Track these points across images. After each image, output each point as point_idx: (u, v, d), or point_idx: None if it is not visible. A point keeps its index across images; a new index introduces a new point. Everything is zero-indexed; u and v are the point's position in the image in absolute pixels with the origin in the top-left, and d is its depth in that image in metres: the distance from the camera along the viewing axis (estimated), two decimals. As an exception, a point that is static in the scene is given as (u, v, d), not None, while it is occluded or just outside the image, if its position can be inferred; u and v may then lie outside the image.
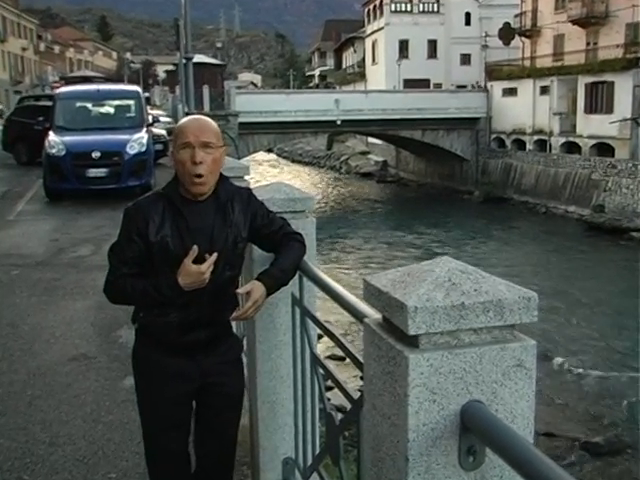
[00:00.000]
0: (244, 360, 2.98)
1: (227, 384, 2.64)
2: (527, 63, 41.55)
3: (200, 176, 2.43)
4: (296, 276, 2.67)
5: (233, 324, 2.77)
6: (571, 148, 34.87)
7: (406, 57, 53.03)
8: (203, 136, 2.44)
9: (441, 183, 43.70)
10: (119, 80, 44.42)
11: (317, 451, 2.80)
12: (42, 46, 71.69)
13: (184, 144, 2.44)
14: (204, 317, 2.53)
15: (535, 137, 37.72)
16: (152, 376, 2.56)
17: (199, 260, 2.43)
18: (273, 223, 2.67)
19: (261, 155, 60.82)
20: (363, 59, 62.92)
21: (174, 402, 2.57)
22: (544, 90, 37.26)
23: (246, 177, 5.45)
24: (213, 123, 2.54)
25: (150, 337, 2.55)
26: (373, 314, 1.68)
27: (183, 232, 2.45)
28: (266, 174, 53.64)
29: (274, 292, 2.60)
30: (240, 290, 2.53)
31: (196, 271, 2.37)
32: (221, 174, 2.57)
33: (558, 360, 15.06)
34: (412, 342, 1.37)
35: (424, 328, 1.34)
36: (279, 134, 39.28)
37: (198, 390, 2.60)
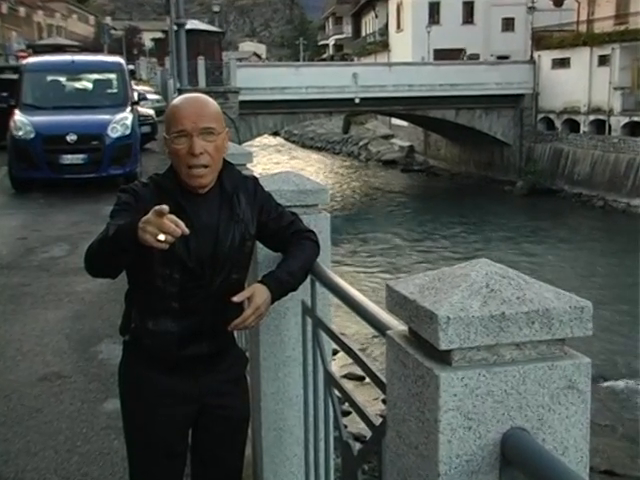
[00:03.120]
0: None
1: (230, 406, 2.65)
2: (583, 28, 41.18)
3: (204, 167, 2.44)
4: (307, 281, 2.68)
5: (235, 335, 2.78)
6: (635, 130, 34.60)
7: (437, 23, 52.93)
8: (202, 121, 2.43)
9: (477, 172, 43.57)
10: (98, 50, 44.45)
11: (331, 487, 2.81)
12: (4, 7, 71.53)
13: (179, 132, 2.43)
14: (207, 327, 2.54)
15: (591, 117, 37.49)
16: (143, 397, 2.56)
17: (201, 265, 2.46)
18: (282, 218, 2.68)
19: (266, 139, 60.86)
20: (386, 25, 62.81)
21: (169, 427, 2.57)
22: (603, 60, 36.98)
23: (249, 165, 5.47)
24: (213, 103, 2.52)
25: (142, 351, 2.56)
26: (397, 326, 1.68)
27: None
28: (272, 162, 53.68)
29: (280, 298, 2.61)
30: (236, 298, 2.51)
31: (156, 222, 2.13)
32: (225, 160, 2.58)
33: (618, 382, 14.98)
34: (443, 358, 1.38)
35: (457, 342, 1.35)
36: (287, 115, 39.28)
37: (196, 413, 2.61)
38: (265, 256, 2.91)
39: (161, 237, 2.13)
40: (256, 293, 2.51)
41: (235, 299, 2.51)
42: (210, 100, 2.53)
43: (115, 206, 2.50)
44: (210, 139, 2.44)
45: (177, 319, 2.50)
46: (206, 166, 2.44)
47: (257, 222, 2.62)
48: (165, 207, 2.12)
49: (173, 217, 2.14)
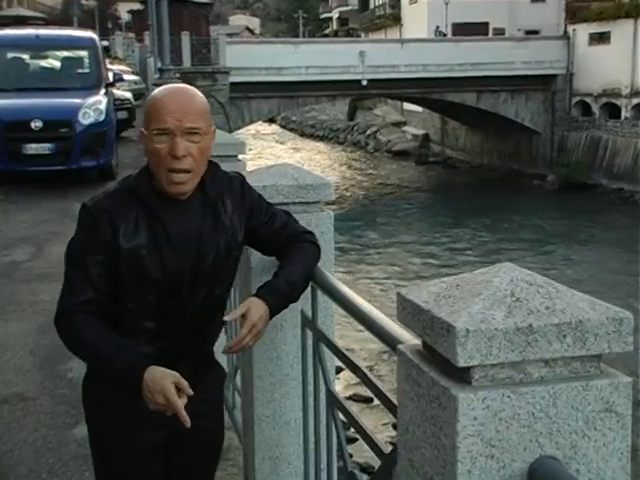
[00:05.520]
0: (237, 400, 2.99)
1: (206, 428, 2.68)
2: (626, -3, 41.06)
3: (186, 171, 2.42)
4: (308, 289, 2.68)
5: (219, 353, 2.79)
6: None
7: (456, -7, 52.89)
8: (187, 120, 2.40)
9: (502, 164, 43.55)
10: (66, 23, 44.40)
11: (334, 525, 2.81)
12: (-46, -28, 71.37)
13: (161, 130, 2.41)
14: (184, 348, 2.56)
15: (634, 100, 37.40)
16: (114, 421, 2.58)
17: (178, 283, 2.46)
18: (274, 220, 2.69)
19: (261, 127, 60.86)
20: (398, -4, 62.83)
21: (143, 454, 2.59)
22: (649, 35, 36.91)
23: (241, 156, 5.48)
24: (201, 98, 2.50)
25: None
26: (410, 339, 1.69)
27: (161, 242, 2.45)
28: (267, 152, 53.68)
29: (279, 312, 2.62)
30: (227, 317, 2.53)
31: (166, 395, 2.28)
32: (210, 161, 2.57)
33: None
34: (462, 377, 1.39)
35: (478, 358, 1.36)
36: (284, 99, 39.28)
37: (170, 436, 2.63)
38: (259, 260, 2.92)
39: (188, 421, 2.29)
40: (251, 309, 2.51)
41: (227, 318, 2.53)
42: (198, 94, 2.51)
43: (76, 238, 2.49)
44: (195, 140, 2.41)
45: (151, 341, 2.52)
46: (188, 171, 2.42)
47: (247, 228, 2.62)
48: (184, 384, 2.29)
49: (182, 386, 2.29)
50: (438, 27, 49.27)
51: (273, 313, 2.57)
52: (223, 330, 2.81)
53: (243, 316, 2.51)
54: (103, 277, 2.44)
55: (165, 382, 2.27)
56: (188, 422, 2.27)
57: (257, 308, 2.51)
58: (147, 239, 2.43)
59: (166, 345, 2.53)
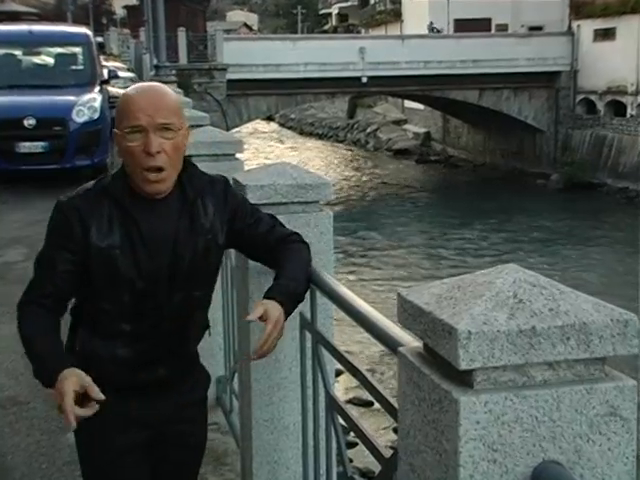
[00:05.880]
0: (235, 404, 2.99)
1: (188, 433, 2.72)
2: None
3: (159, 169, 2.44)
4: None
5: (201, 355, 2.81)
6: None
7: (458, -12, 52.90)
8: (159, 116, 2.43)
9: (505, 163, 43.54)
10: (60, 19, 44.35)
11: (334, 531, 2.82)
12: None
13: (133, 127, 2.43)
14: (163, 351, 2.58)
15: (640, 98, 37.46)
16: (98, 422, 2.59)
17: (154, 284, 2.48)
18: (260, 223, 2.70)
19: (259, 125, 60.82)
20: (398, -9, 62.83)
21: (127, 454, 2.63)
22: (656, 31, 36.87)
23: (238, 155, 5.47)
24: (173, 94, 2.55)
25: (91, 375, 2.59)
26: (411, 342, 1.69)
27: (135, 242, 2.47)
28: (265, 151, 53.65)
29: (293, 311, 2.62)
30: (249, 317, 2.53)
31: (62, 396, 2.30)
32: (188, 160, 2.59)
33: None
34: (464, 380, 1.39)
35: (480, 361, 1.36)
36: (283, 96, 39.25)
37: (153, 441, 2.67)
38: (255, 264, 2.91)
39: (73, 424, 2.29)
40: (269, 308, 2.51)
41: (249, 318, 2.53)
42: (169, 90, 2.55)
43: (49, 234, 2.53)
44: (168, 136, 2.44)
45: (129, 343, 2.54)
46: (162, 169, 2.44)
47: (230, 230, 2.64)
48: (93, 390, 2.31)
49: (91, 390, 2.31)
50: (432, 23, 49.27)
51: (287, 311, 2.56)
52: (207, 333, 2.82)
53: (260, 318, 2.50)
54: (69, 274, 2.48)
55: (67, 383, 2.29)
56: (73, 424, 2.28)
57: (274, 307, 2.51)
58: (121, 239, 2.46)
59: (144, 348, 2.55)
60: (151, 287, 2.49)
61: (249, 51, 37.62)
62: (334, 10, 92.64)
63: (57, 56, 14.77)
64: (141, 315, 2.52)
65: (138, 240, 2.46)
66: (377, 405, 2.10)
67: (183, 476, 2.79)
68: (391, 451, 1.95)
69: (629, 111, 37.83)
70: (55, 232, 2.51)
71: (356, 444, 2.52)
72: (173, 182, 2.51)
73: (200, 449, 2.84)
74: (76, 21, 40.19)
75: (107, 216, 2.46)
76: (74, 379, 2.30)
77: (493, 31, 50.00)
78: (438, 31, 47.46)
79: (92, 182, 2.59)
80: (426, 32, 48.63)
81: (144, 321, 2.52)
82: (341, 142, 60.72)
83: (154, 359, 2.56)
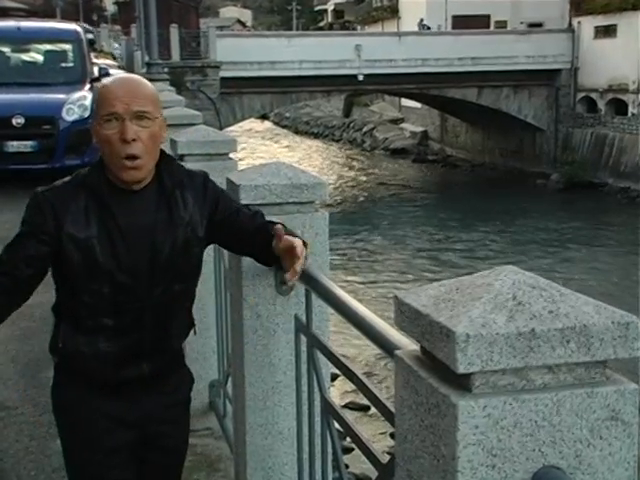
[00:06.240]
0: (228, 408, 2.99)
1: (170, 435, 2.75)
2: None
3: (134, 157, 2.48)
4: (301, 292, 2.69)
5: (188, 352, 2.82)
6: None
7: (457, -16, 52.92)
8: (135, 103, 2.49)
9: (504, 163, 43.58)
10: (49, 15, 44.30)
11: (330, 538, 2.82)
12: None
13: (110, 115, 2.48)
14: (147, 346, 2.61)
15: (642, 96, 37.47)
16: (83, 423, 2.65)
17: (134, 276, 2.51)
18: (240, 213, 2.75)
19: (253, 124, 60.79)
20: (395, -13, 62.84)
21: (113, 455, 2.65)
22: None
23: (232, 155, 5.47)
24: (149, 85, 2.61)
25: (74, 373, 2.65)
26: (408, 345, 1.69)
27: (113, 234, 2.50)
28: (260, 150, 53.63)
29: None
30: (288, 275, 2.58)
31: None
32: (165, 153, 2.64)
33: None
34: (462, 383, 1.39)
35: (479, 364, 1.36)
36: (277, 94, 39.26)
37: (138, 441, 2.69)
38: (250, 263, 2.92)
39: None
40: (286, 237, 2.58)
41: (288, 278, 2.60)
42: (145, 81, 2.62)
43: (23, 222, 2.59)
44: (144, 124, 2.49)
45: (112, 338, 2.57)
46: (138, 156, 2.48)
47: (211, 223, 2.67)
48: None
49: None
50: (422, 20, 49.41)
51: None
52: (192, 332, 2.85)
53: (287, 251, 2.56)
54: (32, 260, 2.53)
55: None
56: None
57: (288, 237, 2.59)
58: (98, 230, 2.50)
59: (127, 343, 2.58)
60: (131, 279, 2.53)
61: (243, 48, 37.60)
62: (330, 6, 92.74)
63: (46, 53, 14.74)
64: (122, 309, 2.55)
65: (116, 232, 2.50)
66: (374, 409, 2.11)
67: (162, 479, 2.82)
68: (388, 457, 1.95)
69: (630, 109, 37.87)
70: (27, 221, 2.57)
71: (352, 449, 2.52)
72: (150, 171, 2.56)
73: (179, 453, 2.86)
74: (66, 17, 40.11)
75: (84, 208, 2.51)
76: None
77: (492, 28, 50.07)
78: (428, 28, 47.58)
79: (70, 176, 2.65)
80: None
81: (126, 315, 2.55)
82: (337, 141, 60.74)
83: (137, 354, 2.60)
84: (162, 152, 2.61)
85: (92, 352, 2.57)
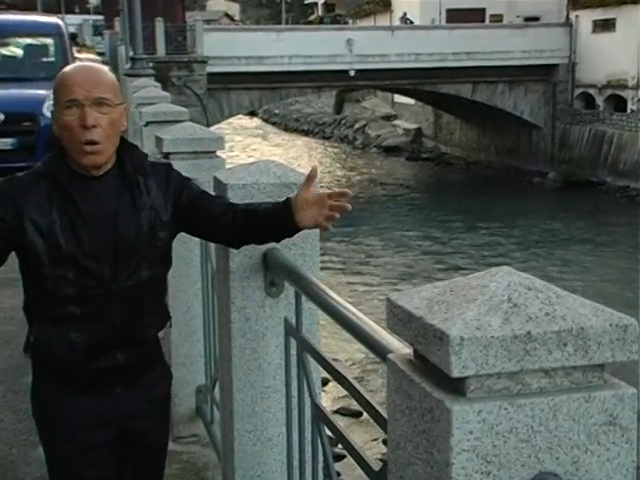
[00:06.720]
0: (216, 414, 2.99)
1: (152, 431, 2.79)
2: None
3: (93, 143, 2.53)
4: (291, 294, 2.69)
5: (169, 357, 2.82)
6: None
7: (451, -23, 52.99)
8: (95, 90, 2.55)
9: (500, 161, 43.64)
10: (29, 8, 44.20)
11: None
12: None
13: (69, 102, 2.55)
14: (118, 334, 2.64)
15: (641, 92, 37.53)
16: (62, 421, 2.68)
17: (98, 261, 2.56)
18: (205, 194, 2.82)
19: (241, 120, 60.71)
20: (388, -20, 62.85)
21: (92, 453, 2.67)
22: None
23: (219, 153, 5.46)
24: (109, 73, 2.68)
25: (48, 369, 2.69)
26: (401, 348, 1.69)
27: (75, 220, 2.56)
28: (248, 148, 53.60)
29: None
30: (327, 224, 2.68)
31: None
32: (126, 140, 2.71)
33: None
34: (457, 388, 1.39)
35: (473, 368, 1.36)
36: (266, 90, 39.22)
37: (118, 438, 2.72)
38: (239, 263, 2.92)
39: None
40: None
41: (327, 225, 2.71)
42: (105, 69, 2.72)
43: None
44: (104, 111, 2.56)
45: (81, 327, 2.61)
46: (97, 142, 2.54)
47: (177, 208, 2.72)
48: None
49: None
50: (405, 14, 49.55)
51: None
52: (167, 324, 2.89)
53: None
54: None
55: None
56: None
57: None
58: (60, 216, 2.55)
59: (96, 331, 2.61)
60: (95, 263, 2.57)
61: (231, 43, 37.56)
62: (320, 0, 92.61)
63: (27, 47, 14.70)
64: (88, 294, 2.59)
65: (77, 218, 2.55)
66: (366, 415, 2.11)
67: (142, 477, 2.86)
68: (380, 464, 1.95)
69: (629, 106, 37.93)
70: None
71: (344, 456, 2.52)
72: (109, 157, 2.62)
73: (160, 450, 2.90)
74: (47, 10, 40.07)
75: (46, 195, 2.57)
76: None
77: (487, 22, 50.12)
78: (411, 22, 47.83)
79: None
80: (417, 23, 48.73)
81: (93, 302, 2.59)
82: (328, 139, 60.72)
83: (109, 344, 2.63)
84: (123, 139, 2.68)
85: (64, 343, 2.61)
